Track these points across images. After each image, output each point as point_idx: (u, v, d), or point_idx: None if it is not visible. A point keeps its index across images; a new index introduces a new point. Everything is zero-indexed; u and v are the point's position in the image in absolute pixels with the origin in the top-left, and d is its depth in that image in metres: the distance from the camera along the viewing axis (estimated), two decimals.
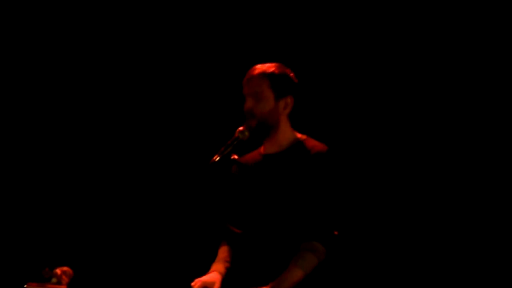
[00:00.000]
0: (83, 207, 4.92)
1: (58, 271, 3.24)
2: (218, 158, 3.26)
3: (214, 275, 3.28)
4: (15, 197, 4.92)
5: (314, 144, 3.34)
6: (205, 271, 3.35)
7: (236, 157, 3.32)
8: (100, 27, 4.98)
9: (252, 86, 3.34)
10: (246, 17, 4.82)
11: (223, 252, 3.44)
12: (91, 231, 4.88)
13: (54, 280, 3.22)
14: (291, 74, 3.41)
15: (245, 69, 3.43)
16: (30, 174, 4.95)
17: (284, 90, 3.37)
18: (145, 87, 4.96)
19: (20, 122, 5.00)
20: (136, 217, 4.84)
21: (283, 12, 4.75)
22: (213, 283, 3.23)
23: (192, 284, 3.21)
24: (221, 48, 4.85)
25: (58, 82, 4.99)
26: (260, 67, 3.37)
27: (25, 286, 3.22)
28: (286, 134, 3.40)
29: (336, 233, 3.26)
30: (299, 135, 3.42)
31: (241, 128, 3.35)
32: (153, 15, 4.96)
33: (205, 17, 4.90)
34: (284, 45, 4.67)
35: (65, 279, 3.23)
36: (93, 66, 4.99)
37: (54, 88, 5.00)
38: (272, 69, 3.35)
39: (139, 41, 4.97)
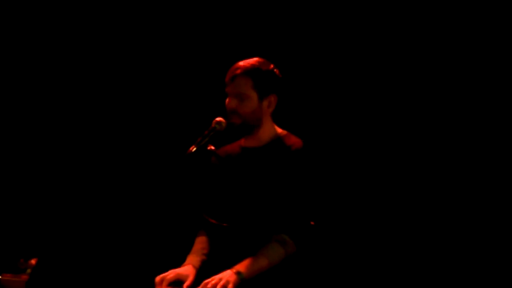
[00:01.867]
0: (57, 195, 4.92)
1: (33, 261, 3.25)
2: (195, 149, 3.26)
3: (188, 268, 3.27)
4: None
5: (294, 141, 3.35)
6: (181, 261, 3.36)
7: (213, 148, 3.31)
8: (91, 26, 4.95)
9: (235, 86, 3.30)
10: (229, 13, 4.76)
11: (199, 243, 3.44)
12: (65, 219, 4.89)
13: (29, 271, 3.24)
14: (275, 70, 3.38)
15: (222, 62, 3.40)
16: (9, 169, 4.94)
17: (267, 89, 3.34)
18: (120, 79, 4.93)
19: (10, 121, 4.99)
20: (114, 208, 4.85)
21: (268, 8, 4.69)
22: (187, 276, 3.22)
23: (166, 274, 3.20)
24: (201, 42, 4.81)
25: (56, 82, 4.99)
26: (243, 65, 3.32)
27: (0, 276, 3.24)
28: (268, 130, 3.40)
29: (312, 223, 3.28)
30: (279, 131, 3.43)
31: (218, 119, 3.34)
32: (141, 14, 4.91)
33: (188, 14, 4.85)
34: (267, 40, 4.62)
35: None
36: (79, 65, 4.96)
37: (47, 88, 4.99)
38: (255, 67, 3.31)
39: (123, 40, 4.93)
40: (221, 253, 3.38)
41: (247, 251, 3.25)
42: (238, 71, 3.29)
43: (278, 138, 3.38)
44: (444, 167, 4.36)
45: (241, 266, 3.12)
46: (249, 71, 3.30)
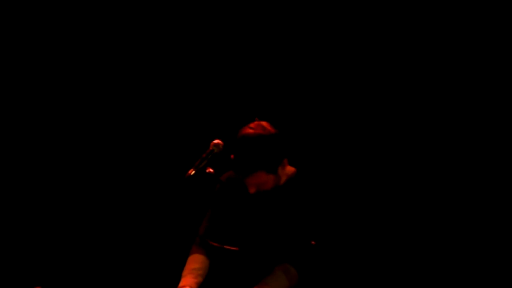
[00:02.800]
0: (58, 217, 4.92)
1: None
2: (193, 172, 3.25)
3: None
4: None
5: (299, 185, 3.33)
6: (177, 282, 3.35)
7: (211, 170, 3.31)
8: (91, 26, 4.95)
9: (250, 179, 3.24)
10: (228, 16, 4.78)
11: (195, 262, 3.39)
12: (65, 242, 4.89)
13: None
14: (278, 135, 3.27)
15: (222, 72, 3.37)
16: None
17: (279, 162, 3.28)
18: (120, 103, 4.94)
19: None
20: (114, 229, 4.84)
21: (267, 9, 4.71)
22: None
23: None
24: (204, 58, 4.83)
25: (56, 82, 5.00)
26: (250, 158, 3.20)
27: None
28: (279, 177, 3.35)
29: (313, 242, 3.28)
30: (292, 170, 3.39)
31: (215, 141, 3.34)
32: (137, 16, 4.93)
33: (181, 20, 4.86)
34: (265, 43, 4.64)
35: None
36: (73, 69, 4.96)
37: (47, 88, 4.98)
38: (264, 155, 3.21)
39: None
40: (223, 278, 3.38)
41: (249, 277, 3.29)
42: (248, 169, 3.21)
43: (291, 179, 3.36)
44: (445, 173, 4.36)
45: None
46: (259, 165, 3.21)
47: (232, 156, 3.26)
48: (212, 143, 3.33)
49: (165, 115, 4.87)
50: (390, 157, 4.48)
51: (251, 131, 3.22)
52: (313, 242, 3.30)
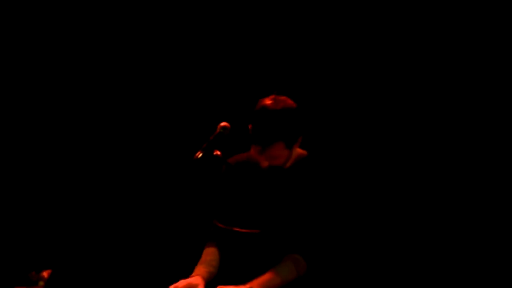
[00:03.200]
0: (65, 206, 4.92)
1: (45, 274, 3.25)
2: (201, 155, 3.25)
3: (197, 279, 3.26)
4: None
5: (307, 166, 3.33)
6: (191, 268, 3.36)
7: (219, 153, 3.30)
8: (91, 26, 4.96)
9: (269, 153, 3.22)
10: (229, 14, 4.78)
11: (208, 254, 3.42)
12: (75, 230, 4.89)
13: (41, 283, 3.24)
14: (298, 109, 3.27)
15: (228, 64, 3.37)
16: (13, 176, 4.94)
17: (296, 137, 3.27)
18: (125, 85, 4.95)
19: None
20: (120, 215, 4.85)
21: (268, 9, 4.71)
22: (196, 286, 3.21)
23: (176, 285, 3.18)
24: (207, 45, 4.82)
25: (57, 83, 5.01)
26: (271, 127, 3.17)
27: None
28: (292, 152, 3.33)
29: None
30: (300, 151, 3.40)
31: (222, 124, 3.33)
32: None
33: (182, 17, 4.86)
34: (267, 42, 4.65)
35: None
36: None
37: (47, 88, 5.00)
38: (284, 125, 3.18)
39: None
40: (232, 260, 3.38)
41: (258, 259, 3.29)
42: (268, 139, 3.17)
43: (300, 160, 3.37)
44: (447, 173, 4.36)
45: (255, 283, 3.13)
46: (280, 135, 3.19)
47: (250, 127, 3.24)
48: (219, 126, 3.33)
49: (172, 97, 4.87)
50: (396, 149, 4.48)
51: (272, 102, 3.21)
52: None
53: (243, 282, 3.16)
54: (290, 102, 3.24)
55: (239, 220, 3.39)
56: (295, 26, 4.65)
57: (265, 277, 3.17)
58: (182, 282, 3.20)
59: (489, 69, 4.29)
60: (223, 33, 4.77)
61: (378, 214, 4.48)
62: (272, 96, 3.25)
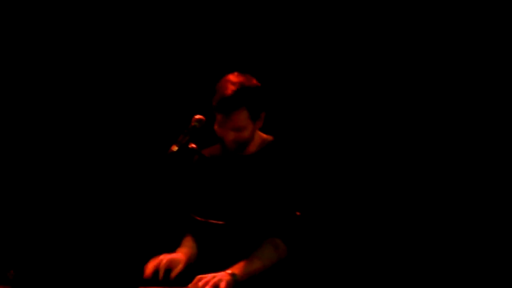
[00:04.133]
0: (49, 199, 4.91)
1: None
2: (176, 148, 3.25)
3: (180, 255, 3.30)
4: None
5: (283, 146, 3.38)
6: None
7: (194, 146, 3.31)
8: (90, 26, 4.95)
9: (232, 120, 3.26)
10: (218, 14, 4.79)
11: (187, 241, 3.47)
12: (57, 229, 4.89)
13: None
14: (260, 86, 3.35)
15: (203, 60, 3.39)
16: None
17: (259, 111, 3.34)
18: (100, 79, 4.94)
19: None
20: (96, 209, 4.85)
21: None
22: (178, 261, 3.25)
23: (158, 260, 3.21)
24: (184, 42, 4.83)
25: (52, 82, 4.99)
26: (235, 95, 3.24)
27: None
28: (257, 137, 3.40)
29: (298, 213, 3.31)
30: (265, 136, 3.45)
31: (197, 117, 3.35)
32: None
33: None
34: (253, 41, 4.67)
35: None
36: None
37: (42, 87, 4.99)
38: (247, 93, 3.26)
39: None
40: (210, 252, 3.40)
41: (237, 250, 3.29)
42: (232, 104, 3.24)
43: (268, 144, 3.41)
44: (436, 166, 4.39)
45: (236, 268, 3.14)
46: (243, 101, 3.25)
47: (214, 99, 3.29)
48: (193, 118, 3.35)
49: (146, 91, 4.87)
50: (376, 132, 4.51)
51: (235, 74, 3.32)
52: (298, 213, 3.31)
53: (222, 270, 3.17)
54: (253, 78, 3.33)
55: (214, 212, 3.40)
56: (284, 24, 4.67)
57: (246, 262, 3.18)
58: (166, 256, 3.23)
59: (489, 69, 4.30)
60: (202, 28, 4.78)
61: (352, 195, 4.49)
62: (235, 73, 3.33)
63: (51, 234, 4.87)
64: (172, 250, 3.40)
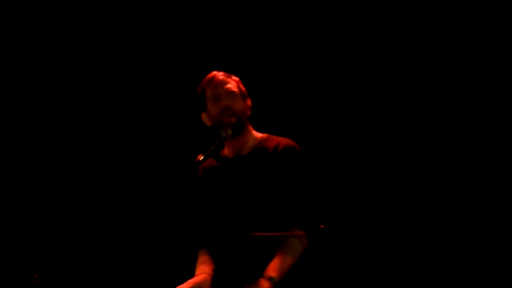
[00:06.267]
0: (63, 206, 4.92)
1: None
2: (202, 158, 3.26)
3: (203, 276, 3.27)
4: None
5: (279, 140, 3.40)
6: (187, 274, 3.34)
7: (201, 158, 3.29)
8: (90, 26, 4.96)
9: (224, 86, 3.40)
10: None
11: (203, 255, 3.43)
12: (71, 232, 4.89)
13: None
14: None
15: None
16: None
17: (245, 93, 3.49)
18: (123, 87, 4.98)
19: None
20: (116, 218, 4.85)
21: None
22: (203, 283, 3.22)
23: (183, 286, 3.19)
24: (205, 47, 4.86)
25: (58, 83, 5.02)
26: (220, 73, 3.46)
27: None
28: (251, 134, 3.45)
29: (322, 226, 3.30)
30: (260, 135, 3.48)
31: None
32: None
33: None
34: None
35: None
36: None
37: (47, 89, 5.01)
38: (230, 75, 3.47)
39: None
40: (231, 263, 3.34)
41: (258, 255, 3.25)
42: (221, 76, 3.42)
43: (263, 141, 3.43)
44: (436, 164, 4.39)
45: (271, 271, 3.12)
46: (229, 76, 3.45)
47: (200, 86, 3.44)
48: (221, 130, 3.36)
49: (170, 100, 4.89)
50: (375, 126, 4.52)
51: None
52: (322, 226, 3.31)
53: (244, 279, 3.16)
54: None
55: (229, 222, 3.37)
56: (285, 25, 4.68)
57: (278, 262, 3.16)
58: (189, 283, 3.21)
59: (489, 69, 4.31)
60: (221, 36, 4.79)
61: (357, 188, 4.50)
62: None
63: (73, 239, 4.88)
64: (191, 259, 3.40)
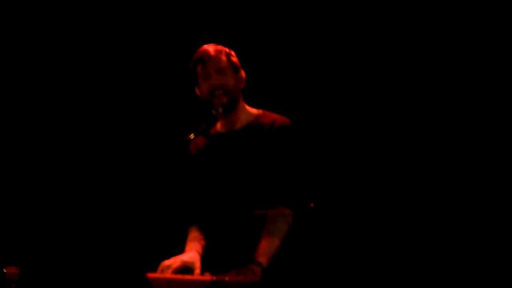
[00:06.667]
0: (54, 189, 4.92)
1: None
2: (193, 136, 3.25)
3: (193, 254, 3.23)
4: None
5: (275, 117, 3.39)
6: (175, 252, 3.29)
7: (192, 136, 3.28)
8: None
9: (214, 62, 3.37)
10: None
11: (194, 231, 3.41)
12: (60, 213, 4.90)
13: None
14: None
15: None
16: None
17: (237, 65, 3.44)
18: (113, 79, 4.97)
19: None
20: (107, 199, 4.86)
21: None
22: (193, 263, 3.17)
23: (171, 262, 3.14)
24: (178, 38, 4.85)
25: (53, 82, 5.01)
26: (212, 47, 3.41)
27: (4, 270, 3.24)
28: (243, 110, 3.44)
29: (312, 205, 3.32)
30: (255, 110, 3.47)
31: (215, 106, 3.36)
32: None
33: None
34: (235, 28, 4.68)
35: None
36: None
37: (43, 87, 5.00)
38: (222, 47, 3.43)
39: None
40: (222, 241, 3.35)
41: (247, 234, 3.26)
42: (211, 50, 3.38)
43: (257, 117, 3.42)
44: (432, 160, 4.40)
45: (260, 256, 3.10)
46: (220, 50, 3.40)
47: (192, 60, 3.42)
48: (212, 108, 3.35)
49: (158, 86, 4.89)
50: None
51: None
52: (311, 205, 3.32)
53: (235, 257, 3.17)
54: None
55: (216, 192, 3.38)
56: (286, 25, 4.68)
57: (265, 244, 3.14)
58: (177, 260, 3.15)
59: (489, 69, 4.30)
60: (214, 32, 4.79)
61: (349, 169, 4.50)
62: None
63: (60, 230, 4.89)
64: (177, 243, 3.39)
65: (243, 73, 3.46)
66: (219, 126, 3.48)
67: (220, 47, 3.42)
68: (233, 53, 3.45)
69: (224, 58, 3.39)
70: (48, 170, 4.95)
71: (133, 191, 4.82)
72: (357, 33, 4.54)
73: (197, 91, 3.47)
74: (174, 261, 3.14)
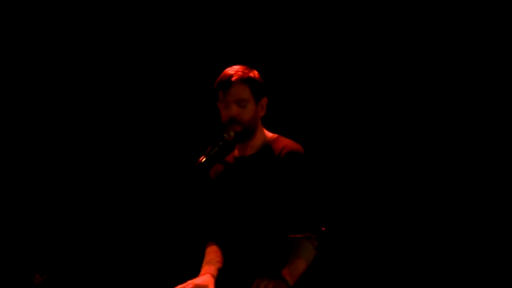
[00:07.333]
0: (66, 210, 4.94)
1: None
2: (204, 159, 3.26)
3: (206, 278, 3.27)
4: None
5: (286, 143, 3.37)
6: (192, 273, 3.35)
7: (203, 159, 3.28)
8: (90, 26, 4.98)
9: (235, 93, 3.32)
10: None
11: (211, 252, 3.44)
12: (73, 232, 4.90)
13: None
14: (259, 75, 3.43)
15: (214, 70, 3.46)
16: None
17: (261, 93, 3.39)
18: (127, 87, 4.99)
19: None
20: (119, 219, 4.86)
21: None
22: (206, 286, 3.22)
23: (184, 285, 3.17)
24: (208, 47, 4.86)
25: (60, 83, 5.03)
26: (236, 72, 3.34)
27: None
28: (261, 135, 3.43)
29: (323, 229, 3.31)
30: (270, 135, 3.45)
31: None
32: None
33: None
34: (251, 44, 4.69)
35: None
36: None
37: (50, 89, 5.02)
38: (247, 73, 3.34)
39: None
40: (238, 265, 3.36)
41: (264, 259, 3.27)
42: (234, 79, 3.31)
43: (270, 141, 3.40)
44: (444, 169, 4.38)
45: (286, 275, 3.13)
46: (244, 78, 3.32)
47: (216, 81, 3.38)
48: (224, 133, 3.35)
49: (174, 100, 4.89)
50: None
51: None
52: (323, 228, 3.32)
53: (249, 281, 3.15)
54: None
55: (236, 224, 3.38)
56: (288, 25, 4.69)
57: (292, 265, 3.17)
58: (190, 283, 3.20)
59: (489, 69, 4.30)
60: (223, 35, 4.80)
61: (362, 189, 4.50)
62: None
63: (75, 240, 4.90)
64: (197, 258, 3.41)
65: (264, 100, 3.40)
66: (236, 150, 3.48)
67: (244, 73, 3.34)
68: (257, 74, 3.39)
69: (246, 88, 3.33)
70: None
71: (150, 215, 4.82)
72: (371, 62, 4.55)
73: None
74: (187, 284, 3.19)
